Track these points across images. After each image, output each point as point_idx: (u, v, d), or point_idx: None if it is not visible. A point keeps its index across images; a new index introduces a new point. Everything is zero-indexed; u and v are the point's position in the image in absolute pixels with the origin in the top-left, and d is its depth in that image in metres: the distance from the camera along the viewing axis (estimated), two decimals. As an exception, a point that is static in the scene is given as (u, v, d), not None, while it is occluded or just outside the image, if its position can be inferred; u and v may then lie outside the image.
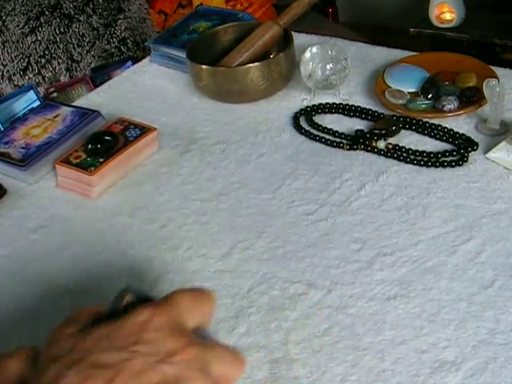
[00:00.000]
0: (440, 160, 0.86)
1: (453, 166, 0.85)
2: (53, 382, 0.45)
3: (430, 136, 0.91)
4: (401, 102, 0.97)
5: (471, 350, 0.63)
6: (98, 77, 1.80)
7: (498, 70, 0.97)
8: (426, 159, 0.86)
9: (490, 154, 0.85)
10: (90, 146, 0.93)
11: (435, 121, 0.92)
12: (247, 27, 1.10)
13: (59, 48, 1.85)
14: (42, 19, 1.83)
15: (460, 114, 0.92)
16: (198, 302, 0.52)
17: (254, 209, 0.84)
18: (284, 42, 1.06)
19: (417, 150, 0.88)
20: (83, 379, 0.44)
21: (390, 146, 0.89)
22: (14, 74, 1.84)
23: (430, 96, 0.96)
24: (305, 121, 0.99)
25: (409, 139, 0.91)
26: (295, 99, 1.04)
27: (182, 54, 1.11)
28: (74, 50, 1.87)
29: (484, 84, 0.88)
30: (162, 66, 1.20)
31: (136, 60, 1.58)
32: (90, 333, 0.48)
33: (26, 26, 1.82)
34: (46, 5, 1.84)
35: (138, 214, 0.87)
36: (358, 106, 0.98)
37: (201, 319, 0.51)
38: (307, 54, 1.00)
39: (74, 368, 0.45)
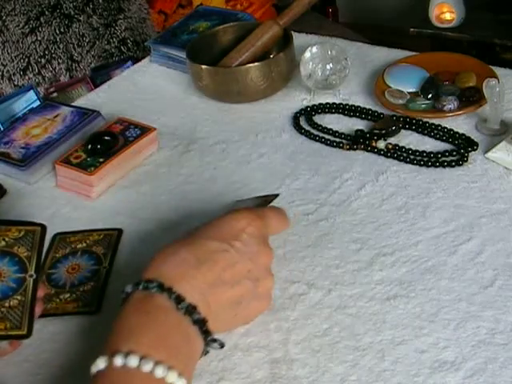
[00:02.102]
0: (440, 160, 0.86)
1: (453, 166, 0.85)
2: (170, 254, 0.60)
3: (430, 136, 0.91)
4: (401, 101, 0.97)
5: (471, 350, 0.63)
6: (98, 77, 1.80)
7: (498, 70, 0.97)
8: (426, 159, 0.86)
9: (490, 154, 0.85)
10: (89, 146, 0.93)
11: (435, 121, 0.92)
12: (247, 27, 1.10)
13: (59, 48, 1.85)
14: (42, 19, 1.83)
15: (460, 114, 0.92)
16: (280, 221, 0.69)
17: (254, 209, 0.84)
18: (284, 41, 1.06)
19: (417, 150, 0.88)
20: (193, 256, 0.60)
21: (390, 146, 0.89)
22: (14, 74, 1.84)
23: (429, 96, 0.96)
24: (305, 121, 0.99)
25: (409, 139, 0.91)
26: (295, 99, 1.04)
27: (182, 54, 1.11)
28: (74, 49, 1.87)
29: (484, 84, 0.88)
30: (162, 66, 1.20)
31: (136, 60, 1.57)
32: (198, 227, 0.64)
33: (26, 26, 1.82)
34: (46, 5, 1.84)
35: (138, 214, 0.87)
36: (358, 106, 0.98)
37: (277, 233, 0.70)
38: (307, 54, 1.00)
39: (188, 246, 0.61)
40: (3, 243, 0.67)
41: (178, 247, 0.61)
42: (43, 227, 0.69)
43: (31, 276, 0.66)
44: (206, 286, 0.59)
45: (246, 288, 0.62)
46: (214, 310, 0.60)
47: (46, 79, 1.85)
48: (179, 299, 0.57)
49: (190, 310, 0.57)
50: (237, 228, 0.63)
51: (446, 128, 0.91)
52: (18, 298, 0.65)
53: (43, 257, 0.79)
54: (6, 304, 0.64)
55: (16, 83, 1.84)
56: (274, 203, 0.84)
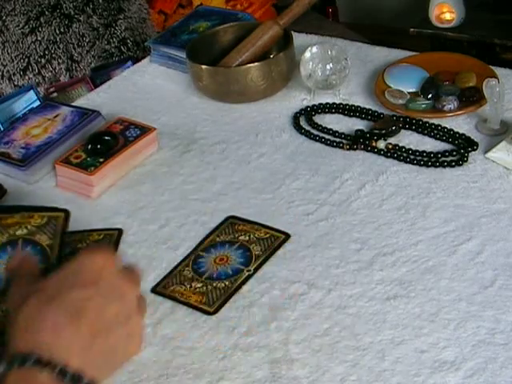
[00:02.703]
0: (440, 160, 0.86)
1: (453, 166, 0.85)
2: (36, 318, 0.53)
3: (430, 136, 0.91)
4: (401, 101, 0.97)
5: (471, 350, 0.63)
6: (98, 77, 1.80)
7: (498, 70, 0.97)
8: (426, 159, 0.86)
9: (490, 154, 0.85)
10: (89, 146, 0.93)
11: (435, 121, 0.92)
12: (247, 27, 1.10)
13: (59, 48, 1.85)
14: (42, 19, 1.83)
15: (460, 114, 0.92)
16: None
17: (254, 209, 0.84)
18: (284, 42, 1.06)
19: (417, 150, 0.88)
20: (69, 314, 0.53)
21: (390, 146, 0.89)
22: (14, 74, 1.83)
23: (429, 96, 0.96)
24: (305, 121, 0.99)
25: (409, 139, 0.91)
26: (295, 99, 1.04)
27: (182, 54, 1.11)
28: (74, 50, 1.87)
29: (484, 84, 0.88)
30: (162, 66, 1.20)
31: (136, 60, 1.57)
32: (53, 276, 0.57)
33: (26, 26, 1.82)
34: (46, 5, 1.84)
35: (138, 213, 0.87)
36: (358, 106, 0.98)
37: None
38: (307, 54, 1.00)
39: (54, 303, 0.54)
40: (25, 231, 0.66)
41: (41, 307, 0.54)
42: (67, 213, 0.68)
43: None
44: (84, 345, 0.53)
45: (119, 334, 0.56)
46: (96, 365, 0.54)
47: (46, 79, 1.85)
48: (63, 372, 0.51)
49: (76, 379, 0.51)
50: (95, 268, 0.57)
51: (445, 128, 0.91)
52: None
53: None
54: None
55: (16, 83, 1.84)
56: (273, 205, 0.84)
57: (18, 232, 0.66)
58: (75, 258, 0.58)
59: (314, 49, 1.00)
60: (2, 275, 0.62)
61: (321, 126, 0.96)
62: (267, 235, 0.79)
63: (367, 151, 0.91)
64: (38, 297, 0.55)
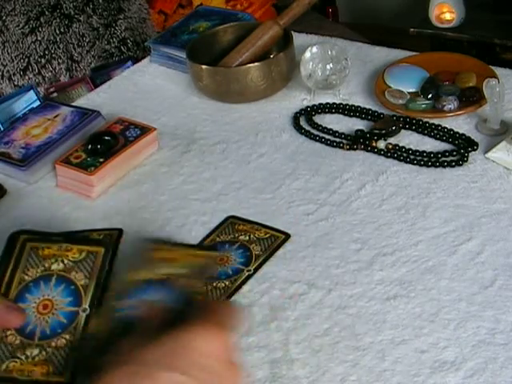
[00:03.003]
0: (440, 160, 0.86)
1: (453, 166, 0.85)
2: None
3: (430, 136, 0.91)
4: (401, 101, 0.97)
5: (471, 350, 0.63)
6: (98, 77, 1.80)
7: (498, 70, 0.97)
8: (426, 159, 0.86)
9: (490, 154, 0.85)
10: (89, 146, 0.93)
11: (435, 121, 0.92)
12: (247, 27, 1.10)
13: (59, 48, 1.85)
14: (42, 19, 1.83)
15: (460, 114, 0.92)
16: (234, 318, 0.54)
17: (254, 209, 0.84)
18: (284, 42, 1.06)
19: (417, 150, 0.88)
20: None
21: (390, 146, 0.89)
22: (14, 74, 1.83)
23: (429, 96, 0.96)
24: (305, 121, 0.99)
25: (409, 139, 0.91)
26: (295, 99, 1.04)
27: (182, 54, 1.11)
28: (74, 50, 1.87)
29: (484, 84, 0.88)
30: (162, 66, 1.20)
31: (136, 60, 1.57)
32: (151, 346, 0.48)
33: (26, 26, 1.82)
34: (46, 5, 1.84)
35: (138, 214, 0.87)
36: (358, 106, 0.98)
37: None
38: (307, 54, 1.00)
39: (130, 379, 0.46)
40: (61, 266, 0.60)
41: (121, 379, 0.47)
42: (107, 248, 0.61)
43: (84, 311, 0.58)
44: None
45: None
46: None
47: (46, 79, 1.85)
48: None
49: None
50: (204, 351, 0.49)
51: (446, 128, 0.91)
52: (67, 337, 0.57)
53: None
54: (53, 343, 0.57)
55: (16, 83, 1.83)
56: (273, 205, 0.84)
57: (54, 266, 0.59)
58: (185, 330, 0.50)
59: (314, 49, 1.00)
60: (31, 319, 0.57)
61: (321, 125, 0.96)
62: (267, 235, 0.79)
63: (367, 151, 0.91)
64: (124, 371, 0.47)
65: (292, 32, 1.07)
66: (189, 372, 0.47)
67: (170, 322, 0.50)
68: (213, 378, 0.49)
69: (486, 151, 0.86)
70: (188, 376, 0.47)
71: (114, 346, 0.49)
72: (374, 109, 0.97)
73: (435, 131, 0.91)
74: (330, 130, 0.95)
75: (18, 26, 1.82)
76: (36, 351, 0.57)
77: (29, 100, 1.35)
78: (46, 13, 1.84)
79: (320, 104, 1.00)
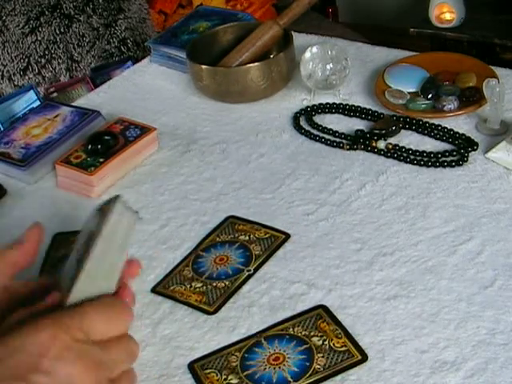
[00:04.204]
0: (440, 160, 0.86)
1: (453, 166, 0.85)
2: None
3: (430, 136, 0.91)
4: (401, 101, 0.97)
5: (471, 350, 0.63)
6: (98, 77, 1.80)
7: (498, 70, 0.97)
8: (426, 159, 0.86)
9: (490, 154, 0.85)
10: (89, 146, 0.93)
11: (435, 121, 0.92)
12: (247, 27, 1.10)
13: (59, 48, 1.85)
14: (42, 19, 1.83)
15: (460, 114, 0.92)
16: (111, 318, 0.51)
17: (254, 209, 0.84)
18: (284, 42, 1.06)
19: (417, 150, 0.88)
20: None
21: (390, 146, 0.89)
22: (14, 74, 1.83)
23: (429, 96, 0.96)
24: (305, 121, 0.99)
25: (409, 139, 0.91)
26: (295, 99, 1.04)
27: (182, 54, 1.11)
28: (74, 50, 1.87)
29: (484, 84, 0.88)
30: (162, 66, 1.20)
31: (136, 60, 1.58)
32: None
33: (26, 26, 1.82)
34: (46, 5, 1.84)
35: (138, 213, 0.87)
36: (358, 106, 0.98)
37: (111, 334, 0.49)
38: (307, 54, 1.00)
39: None
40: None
41: None
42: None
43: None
44: None
45: None
46: None
47: (46, 79, 1.85)
48: None
49: None
50: (35, 352, 0.44)
51: (446, 128, 0.91)
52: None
53: (44, 256, 0.80)
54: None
55: (16, 83, 1.84)
56: (273, 205, 0.84)
57: None
58: (15, 333, 0.46)
59: (314, 49, 1.00)
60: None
61: (321, 126, 0.96)
62: (267, 235, 0.79)
63: (367, 151, 0.91)
64: None
65: (292, 32, 1.07)
66: (27, 378, 0.43)
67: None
68: (62, 378, 0.45)
69: (486, 151, 0.86)
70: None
71: None
72: (374, 109, 0.97)
73: (435, 131, 0.91)
74: (330, 129, 0.95)
75: (18, 26, 1.82)
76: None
77: (29, 100, 1.35)
78: (46, 13, 1.84)
79: (320, 104, 1.00)
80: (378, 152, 0.90)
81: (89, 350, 0.47)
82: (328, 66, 0.99)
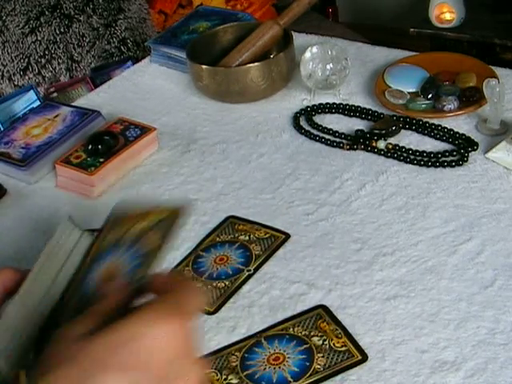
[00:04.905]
0: (440, 160, 0.86)
1: (453, 166, 0.85)
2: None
3: (430, 136, 0.91)
4: (401, 101, 0.97)
5: (471, 350, 0.63)
6: (98, 77, 1.80)
7: (498, 70, 0.97)
8: (426, 159, 0.86)
9: (490, 154, 0.85)
10: (90, 146, 0.93)
11: (435, 121, 0.92)
12: (247, 27, 1.10)
13: (59, 48, 1.85)
14: (42, 19, 1.83)
15: (460, 114, 0.92)
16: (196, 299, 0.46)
17: (254, 209, 0.84)
18: (284, 42, 1.06)
19: (417, 150, 0.88)
20: None
21: (390, 146, 0.89)
22: (14, 74, 1.83)
23: (430, 96, 0.96)
24: (305, 121, 0.99)
25: (409, 139, 0.91)
26: (295, 99, 1.04)
27: (182, 54, 1.11)
28: (74, 50, 1.87)
29: (484, 84, 0.88)
30: (162, 66, 1.20)
31: (136, 60, 1.57)
32: (96, 339, 0.41)
33: (26, 26, 1.82)
34: (46, 5, 1.84)
35: (138, 213, 0.87)
36: (358, 106, 0.98)
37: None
38: (307, 54, 1.00)
39: (68, 373, 0.40)
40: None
41: (60, 364, 0.41)
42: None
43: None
44: None
45: None
46: None
47: (46, 79, 1.85)
48: None
49: None
50: (149, 347, 0.41)
51: (446, 128, 0.91)
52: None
53: None
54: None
55: (16, 83, 1.84)
56: (273, 205, 0.84)
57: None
58: (131, 320, 0.41)
59: (314, 49, 1.00)
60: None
61: (321, 125, 0.96)
62: (267, 235, 0.79)
63: (367, 151, 0.90)
64: (69, 369, 0.41)
65: (292, 32, 1.07)
66: (138, 373, 0.40)
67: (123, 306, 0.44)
68: (161, 382, 0.41)
69: (486, 151, 0.86)
70: (134, 377, 0.40)
71: (55, 331, 0.44)
72: (374, 109, 0.97)
73: (435, 131, 0.91)
74: (330, 129, 0.95)
75: (18, 26, 1.82)
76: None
77: (29, 100, 1.35)
78: (46, 13, 1.84)
79: (320, 104, 1.00)
80: (378, 152, 0.90)
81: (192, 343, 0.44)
82: (328, 66, 0.99)
